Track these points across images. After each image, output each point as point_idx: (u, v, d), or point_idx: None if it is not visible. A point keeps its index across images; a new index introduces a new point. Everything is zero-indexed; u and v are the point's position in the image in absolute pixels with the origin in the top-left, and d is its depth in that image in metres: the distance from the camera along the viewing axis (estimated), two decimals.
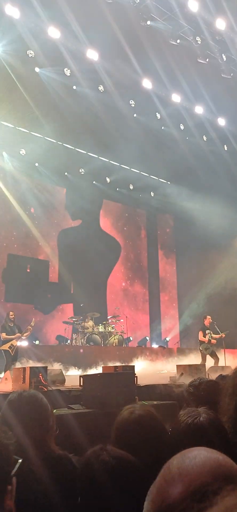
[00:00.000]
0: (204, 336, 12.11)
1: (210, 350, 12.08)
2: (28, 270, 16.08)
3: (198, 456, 0.80)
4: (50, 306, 16.34)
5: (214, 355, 12.17)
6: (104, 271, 18.32)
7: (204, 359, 12.02)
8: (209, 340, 12.05)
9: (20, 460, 1.38)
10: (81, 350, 13.90)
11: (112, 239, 18.95)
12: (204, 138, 16.62)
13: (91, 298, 16.29)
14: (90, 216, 17.99)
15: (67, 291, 16.67)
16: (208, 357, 12.16)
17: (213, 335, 12.19)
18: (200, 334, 12.25)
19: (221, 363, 11.94)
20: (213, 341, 12.13)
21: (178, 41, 13.36)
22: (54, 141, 15.61)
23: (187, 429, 1.72)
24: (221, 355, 12.33)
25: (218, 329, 12.37)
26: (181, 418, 1.79)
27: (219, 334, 12.29)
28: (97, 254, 16.97)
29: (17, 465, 1.37)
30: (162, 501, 0.75)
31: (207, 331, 12.14)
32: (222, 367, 10.47)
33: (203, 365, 10.26)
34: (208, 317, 12.53)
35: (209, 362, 11.86)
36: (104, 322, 15.52)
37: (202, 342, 12.17)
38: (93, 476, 1.47)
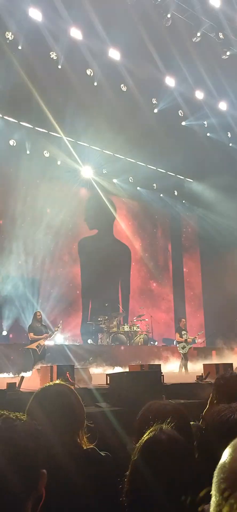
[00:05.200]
0: (181, 337, 12.90)
1: (186, 348, 12.83)
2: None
3: None
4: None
5: (187, 354, 13.01)
6: (123, 271, 18.32)
7: (185, 357, 12.79)
8: (186, 340, 12.82)
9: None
10: (122, 348, 14.28)
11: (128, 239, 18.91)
12: (229, 134, 16.41)
13: (115, 298, 16.22)
14: (109, 218, 17.90)
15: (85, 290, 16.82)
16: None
17: (189, 336, 13.11)
18: (177, 335, 13.13)
19: None
20: (189, 340, 12.98)
21: (199, 34, 13.26)
22: (73, 140, 15.43)
23: (222, 426, 1.69)
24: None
25: (186, 332, 13.11)
26: (215, 416, 1.76)
27: (193, 335, 13.41)
28: (114, 255, 17.03)
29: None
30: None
31: (183, 332, 12.92)
32: None
33: (230, 364, 10.15)
34: (183, 319, 13.63)
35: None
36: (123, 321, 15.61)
37: (179, 342, 12.95)
38: (155, 457, 1.51)
